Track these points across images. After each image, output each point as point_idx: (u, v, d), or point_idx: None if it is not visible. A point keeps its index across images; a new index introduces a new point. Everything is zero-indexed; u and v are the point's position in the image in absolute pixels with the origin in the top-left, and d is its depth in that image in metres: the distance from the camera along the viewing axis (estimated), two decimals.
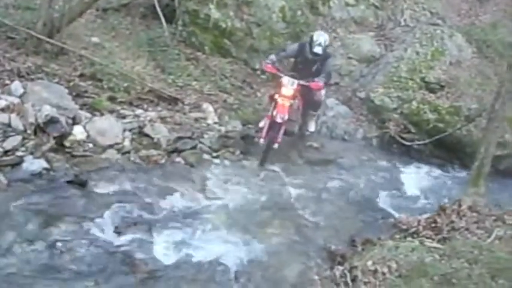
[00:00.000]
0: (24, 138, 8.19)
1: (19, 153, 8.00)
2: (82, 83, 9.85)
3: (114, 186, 8.15)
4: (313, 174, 9.98)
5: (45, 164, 8.05)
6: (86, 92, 9.74)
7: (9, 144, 7.97)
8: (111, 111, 9.60)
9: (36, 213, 7.11)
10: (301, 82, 9.80)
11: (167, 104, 10.47)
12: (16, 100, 8.64)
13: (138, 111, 9.90)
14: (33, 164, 7.97)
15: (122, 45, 11.56)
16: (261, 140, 9.81)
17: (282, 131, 9.77)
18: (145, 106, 10.18)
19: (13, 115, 8.33)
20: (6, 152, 7.90)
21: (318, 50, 9.86)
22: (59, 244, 6.65)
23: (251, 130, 10.51)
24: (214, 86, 11.53)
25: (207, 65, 11.89)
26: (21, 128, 8.28)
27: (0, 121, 8.16)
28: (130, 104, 10.06)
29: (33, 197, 7.45)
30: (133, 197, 8.00)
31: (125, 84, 10.19)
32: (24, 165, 7.94)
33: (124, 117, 9.62)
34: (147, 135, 9.40)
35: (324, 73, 10.05)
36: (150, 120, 9.67)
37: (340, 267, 6.84)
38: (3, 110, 8.35)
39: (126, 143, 9.14)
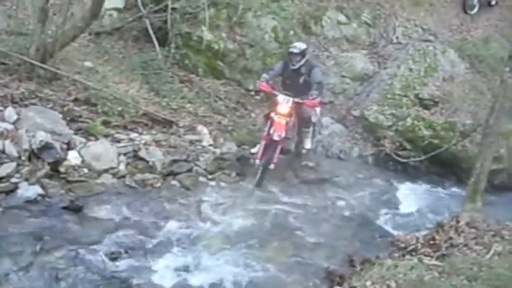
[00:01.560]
0: (18, 165, 8.16)
1: (14, 180, 7.97)
2: (76, 108, 9.84)
3: (110, 211, 8.11)
4: (310, 194, 9.95)
5: (40, 190, 8.02)
6: (80, 116, 9.72)
7: (3, 171, 7.94)
8: (106, 136, 9.58)
9: (32, 239, 7.06)
10: (297, 100, 9.84)
11: (162, 127, 10.47)
12: (10, 126, 8.62)
13: (133, 135, 9.88)
14: (28, 191, 7.93)
15: (115, 68, 11.57)
16: (257, 161, 9.80)
17: (278, 151, 9.76)
18: (139, 130, 10.16)
19: (7, 141, 8.31)
20: (0, 179, 7.87)
21: (292, 49, 10.14)
22: (54, 271, 6.59)
23: (246, 151, 10.49)
24: (209, 108, 11.53)
25: (201, 87, 11.90)
26: (15, 154, 8.26)
27: None
28: (125, 127, 10.04)
29: (28, 223, 7.41)
30: (129, 221, 7.96)
31: (119, 108, 10.17)
32: (19, 191, 7.91)
33: (119, 141, 9.59)
34: (142, 159, 9.38)
35: (314, 84, 10.01)
36: (145, 144, 9.65)
37: None
38: None
39: (121, 167, 9.11)
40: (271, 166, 9.71)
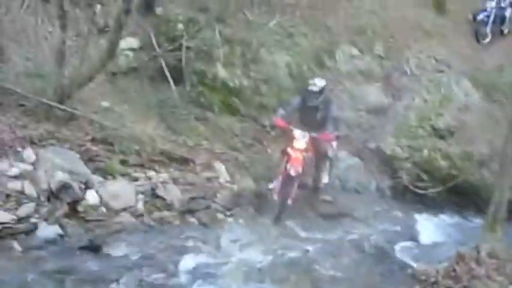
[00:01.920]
0: (37, 205, 8.21)
1: (33, 220, 8.01)
2: (93, 147, 9.89)
3: (129, 249, 8.12)
4: (328, 228, 9.94)
5: (59, 230, 8.05)
6: (97, 156, 9.77)
7: (23, 211, 7.99)
8: (123, 175, 9.62)
9: (51, 280, 7.09)
10: (313, 134, 9.96)
11: (179, 164, 10.50)
12: (29, 167, 8.69)
13: (150, 173, 9.92)
14: (47, 230, 7.97)
15: (132, 108, 11.65)
16: (275, 196, 9.87)
17: (295, 186, 9.81)
18: (157, 168, 10.18)
19: (26, 182, 8.37)
20: (20, 220, 7.90)
21: (312, 88, 10.15)
22: None
23: (264, 187, 10.47)
24: (225, 145, 11.56)
25: (216, 124, 11.94)
26: (34, 195, 8.31)
27: (14, 188, 8.20)
28: (142, 166, 10.08)
29: (48, 263, 7.43)
30: (148, 260, 7.96)
31: (136, 147, 10.22)
32: (38, 231, 7.94)
33: (136, 179, 9.63)
34: (159, 197, 9.41)
35: (330, 120, 10.29)
36: (163, 182, 9.69)
37: None
38: (16, 177, 8.39)
39: (139, 205, 9.15)
40: (289, 202, 9.73)
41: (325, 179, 10.87)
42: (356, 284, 8.03)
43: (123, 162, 9.89)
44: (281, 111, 10.16)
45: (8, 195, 8.11)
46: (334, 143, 10.85)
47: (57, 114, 10.14)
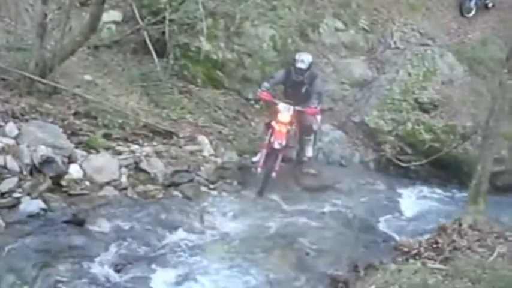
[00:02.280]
0: (20, 180, 8.16)
1: (16, 195, 7.97)
2: (76, 121, 9.84)
3: (113, 223, 8.11)
4: (312, 201, 9.97)
5: (42, 205, 8.02)
6: (80, 130, 9.72)
7: (5, 186, 7.95)
8: (107, 148, 9.58)
9: (35, 254, 7.07)
10: (298, 108, 9.92)
11: (162, 138, 10.47)
12: (11, 141, 8.62)
13: (134, 147, 9.89)
14: (31, 205, 7.93)
15: (115, 81, 11.59)
16: (259, 170, 9.86)
17: (279, 159, 9.80)
18: (140, 141, 10.16)
19: (8, 157, 8.31)
20: (2, 194, 7.87)
21: (300, 65, 10.01)
22: (59, 285, 6.60)
23: (248, 160, 10.48)
24: (209, 118, 11.54)
25: (200, 98, 11.91)
26: (17, 169, 8.26)
27: None
28: (126, 140, 10.04)
29: (31, 238, 7.41)
30: (132, 233, 7.97)
31: (120, 121, 10.18)
32: (22, 206, 7.90)
33: (120, 153, 9.60)
34: (143, 171, 9.40)
35: (314, 94, 10.20)
36: (146, 156, 9.66)
37: None
38: None
39: (123, 179, 9.13)
40: (273, 175, 9.72)
41: (309, 152, 10.84)
42: (339, 256, 8.03)
43: (107, 136, 9.86)
44: (266, 85, 10.05)
45: None
46: (319, 117, 10.76)
47: (39, 88, 10.07)
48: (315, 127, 10.73)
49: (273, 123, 9.88)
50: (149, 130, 10.43)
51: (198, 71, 12.22)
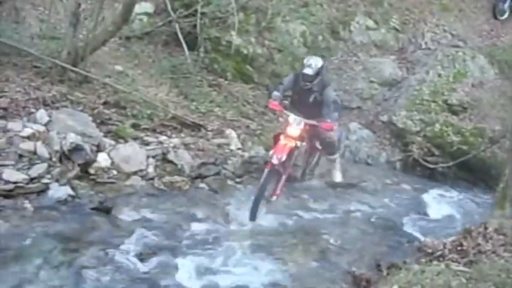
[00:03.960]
0: (49, 166, 8.26)
1: (45, 181, 8.06)
2: (106, 111, 9.94)
3: (139, 212, 8.19)
4: (337, 199, 9.95)
5: (70, 191, 8.12)
6: (110, 119, 9.82)
7: (35, 171, 8.05)
8: (135, 138, 9.67)
9: (61, 239, 7.15)
10: (309, 122, 8.78)
11: (190, 130, 10.53)
12: (41, 128, 8.74)
13: (162, 138, 9.97)
14: (59, 191, 8.03)
15: (145, 72, 11.68)
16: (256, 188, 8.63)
17: (282, 181, 8.92)
18: (168, 133, 10.24)
19: (39, 143, 8.42)
20: (32, 180, 7.96)
21: (307, 71, 8.80)
22: (84, 270, 6.67)
23: None
24: (237, 112, 11.58)
25: (229, 91, 11.96)
26: (46, 155, 8.36)
27: (26, 149, 8.25)
28: (154, 130, 10.12)
29: (58, 223, 7.51)
30: (157, 223, 8.03)
31: (148, 111, 10.26)
32: (50, 192, 8.01)
33: (148, 144, 9.68)
34: (170, 162, 9.46)
35: (326, 104, 8.95)
36: (174, 147, 9.73)
37: None
38: (29, 138, 8.45)
39: (150, 169, 9.20)
40: (273, 198, 8.86)
41: (337, 177, 10.04)
42: (363, 254, 8.04)
43: (135, 126, 9.94)
44: (276, 93, 8.94)
45: (20, 155, 8.16)
46: (336, 129, 9.47)
47: (70, 76, 10.17)
48: (336, 136, 9.61)
49: (281, 136, 8.75)
50: (177, 122, 10.49)
51: (227, 65, 12.28)
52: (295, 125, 8.66)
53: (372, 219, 9.46)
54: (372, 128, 12.49)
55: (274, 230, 8.42)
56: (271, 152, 8.63)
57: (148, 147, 9.56)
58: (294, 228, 8.59)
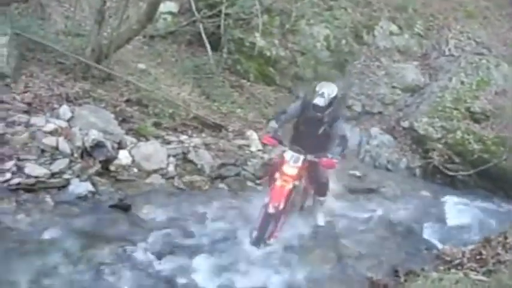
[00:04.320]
0: (71, 162, 8.32)
1: (66, 176, 8.13)
2: (128, 109, 10.01)
3: (158, 210, 8.22)
4: (356, 203, 9.92)
5: (90, 187, 8.17)
6: (131, 117, 9.88)
7: (56, 166, 8.11)
8: (156, 137, 9.72)
9: (81, 235, 7.20)
10: (310, 157, 7.85)
11: (211, 130, 10.58)
12: (64, 124, 8.81)
13: (183, 137, 10.02)
14: (79, 187, 8.09)
15: (168, 71, 11.73)
16: (254, 233, 7.71)
17: (281, 222, 7.92)
18: (189, 132, 10.29)
19: (61, 138, 8.49)
20: (53, 175, 8.03)
21: (318, 101, 7.71)
22: (102, 267, 6.71)
23: None
24: (259, 114, 11.61)
25: (251, 93, 11.99)
26: (68, 151, 8.43)
27: (49, 144, 8.32)
28: (175, 130, 10.18)
29: (78, 219, 7.55)
30: (176, 222, 8.06)
31: (170, 111, 10.31)
32: (71, 187, 8.07)
33: (169, 143, 9.74)
34: (191, 161, 9.51)
35: (334, 140, 7.94)
36: (195, 147, 9.77)
37: None
38: (51, 133, 8.52)
39: (171, 168, 9.24)
40: (271, 241, 7.80)
41: (320, 220, 8.83)
42: (381, 260, 8.00)
43: (157, 125, 10.00)
44: (273, 125, 8.32)
45: (42, 150, 8.24)
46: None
47: (94, 73, 10.26)
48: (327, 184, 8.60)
49: (276, 175, 7.86)
50: (199, 122, 10.54)
51: (250, 67, 12.32)
52: (293, 163, 7.77)
53: (391, 225, 9.40)
54: (393, 134, 12.45)
55: (293, 232, 8.37)
56: (266, 199, 7.69)
57: (169, 146, 9.62)
58: (312, 232, 8.55)
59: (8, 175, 7.76)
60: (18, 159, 7.97)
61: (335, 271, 7.64)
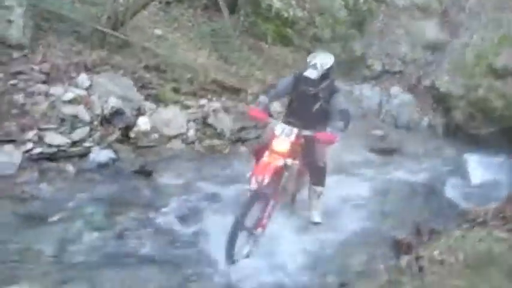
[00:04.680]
0: (91, 130, 8.39)
1: (86, 144, 8.22)
2: (146, 75, 9.98)
3: (179, 175, 8.27)
4: (378, 164, 9.88)
5: (111, 155, 8.24)
6: (150, 83, 9.87)
7: (77, 135, 8.18)
8: (175, 102, 9.71)
9: (103, 202, 7.25)
10: (304, 132, 6.68)
11: (230, 94, 10.52)
12: (83, 92, 8.83)
13: (202, 102, 9.99)
14: (100, 155, 8.16)
15: (185, 36, 11.67)
16: (236, 220, 6.31)
17: (269, 209, 6.67)
18: (208, 96, 10.24)
19: (80, 107, 8.53)
20: (74, 143, 8.11)
21: (310, 73, 6.77)
22: (125, 232, 6.76)
23: None
24: (277, 75, 11.50)
25: (269, 55, 11.90)
26: (88, 119, 8.47)
27: (68, 113, 8.36)
28: (194, 94, 10.14)
29: (100, 186, 7.63)
30: (197, 186, 8.08)
31: (189, 75, 10.27)
32: (92, 155, 8.15)
33: (188, 107, 9.73)
34: (210, 126, 9.52)
35: (333, 114, 6.92)
36: (214, 111, 9.75)
37: (406, 257, 6.75)
38: (70, 102, 8.54)
39: (191, 133, 9.26)
40: (259, 231, 6.61)
41: (315, 216, 7.42)
42: (404, 219, 7.97)
43: (175, 90, 9.98)
44: (263, 98, 7.04)
45: (62, 119, 8.30)
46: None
47: (111, 41, 10.23)
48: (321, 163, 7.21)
49: (265, 154, 6.60)
50: (217, 86, 10.49)
51: (268, 29, 12.20)
52: (284, 137, 6.60)
53: (413, 185, 9.36)
54: (414, 93, 12.32)
55: None
56: (248, 174, 6.46)
57: (188, 111, 9.63)
58: (335, 193, 8.53)
59: (30, 145, 7.84)
60: (39, 129, 8.03)
61: (359, 231, 7.62)
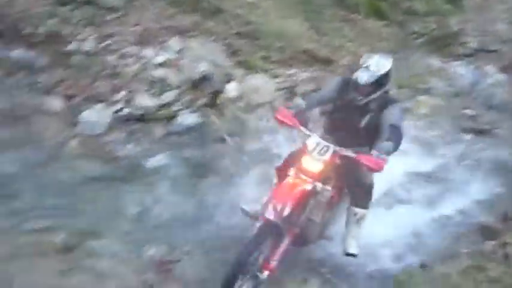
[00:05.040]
0: (179, 93, 8.46)
1: (174, 107, 8.31)
2: (237, 42, 9.94)
3: (264, 144, 8.23)
4: (468, 144, 9.58)
5: (198, 119, 8.28)
6: (240, 50, 9.83)
7: (165, 98, 8.29)
8: (265, 70, 9.66)
9: (188, 165, 7.38)
10: (344, 151, 5.53)
11: (320, 64, 10.39)
12: (173, 56, 8.89)
13: (291, 71, 9.90)
14: (188, 119, 8.24)
15: (277, 4, 11.55)
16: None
17: (284, 245, 5.53)
18: (298, 66, 10.15)
19: (170, 70, 8.61)
20: (162, 106, 8.23)
21: (363, 77, 5.54)
22: (207, 198, 6.82)
23: None
24: (370, 48, 11.28)
25: (362, 27, 11.67)
26: (177, 83, 8.54)
27: (158, 76, 8.47)
28: (284, 63, 10.06)
29: (186, 149, 7.73)
30: (281, 155, 8.04)
31: (279, 44, 10.19)
32: (179, 119, 8.24)
33: (277, 76, 9.65)
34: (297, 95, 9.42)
35: (386, 134, 5.59)
36: (303, 81, 9.65)
37: (492, 242, 6.57)
38: (161, 65, 8.65)
39: (278, 102, 9.19)
40: (265, 274, 5.34)
41: (351, 246, 6.05)
42: (492, 204, 7.73)
43: (265, 58, 9.91)
44: (299, 102, 6.55)
45: (152, 82, 8.40)
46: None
47: (203, 6, 10.21)
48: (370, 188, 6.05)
49: (290, 171, 5.50)
50: (308, 55, 10.36)
51: (361, 0, 11.96)
52: (317, 154, 5.44)
53: (504, 168, 9.02)
54: (509, 73, 11.86)
55: (399, 170, 8.16)
56: (265, 200, 5.44)
57: (277, 80, 9.55)
58: (423, 172, 8.34)
59: (119, 105, 8.00)
60: (129, 91, 8.16)
61: (445, 215, 7.47)
